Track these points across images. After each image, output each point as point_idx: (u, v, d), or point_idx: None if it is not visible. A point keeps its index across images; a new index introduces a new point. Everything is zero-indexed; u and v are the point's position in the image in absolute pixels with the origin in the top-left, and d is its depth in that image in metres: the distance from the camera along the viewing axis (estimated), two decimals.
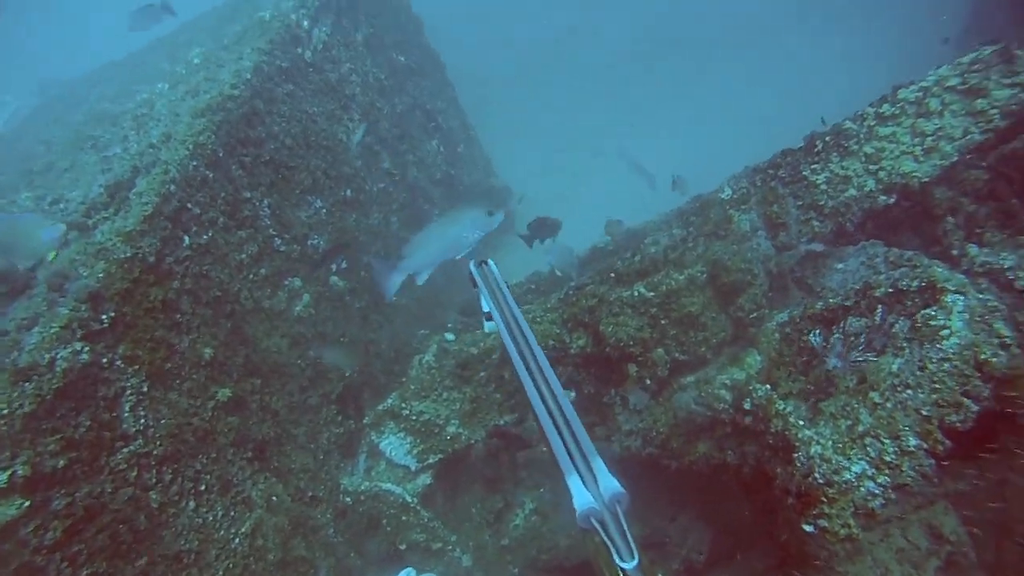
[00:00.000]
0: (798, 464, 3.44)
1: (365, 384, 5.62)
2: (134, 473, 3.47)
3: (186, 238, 4.15)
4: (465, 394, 5.07)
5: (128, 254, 3.66)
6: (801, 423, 3.58)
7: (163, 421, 3.71)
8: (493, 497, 5.23)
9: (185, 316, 4.03)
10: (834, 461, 3.39)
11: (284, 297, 5.03)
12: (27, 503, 2.93)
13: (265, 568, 4.19)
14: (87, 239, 3.82)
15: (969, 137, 4.46)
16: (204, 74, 5.52)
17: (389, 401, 5.24)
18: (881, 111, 4.72)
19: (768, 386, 3.80)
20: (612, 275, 4.76)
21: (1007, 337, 3.53)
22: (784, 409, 3.64)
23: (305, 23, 6.18)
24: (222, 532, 3.98)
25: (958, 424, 3.38)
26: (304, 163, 5.54)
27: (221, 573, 3.89)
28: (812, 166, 4.88)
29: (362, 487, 5.07)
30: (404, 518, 4.99)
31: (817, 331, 4.18)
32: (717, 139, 12.17)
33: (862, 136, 4.76)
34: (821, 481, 3.37)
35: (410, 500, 4.99)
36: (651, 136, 13.24)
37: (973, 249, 4.31)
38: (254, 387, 4.53)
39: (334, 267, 5.62)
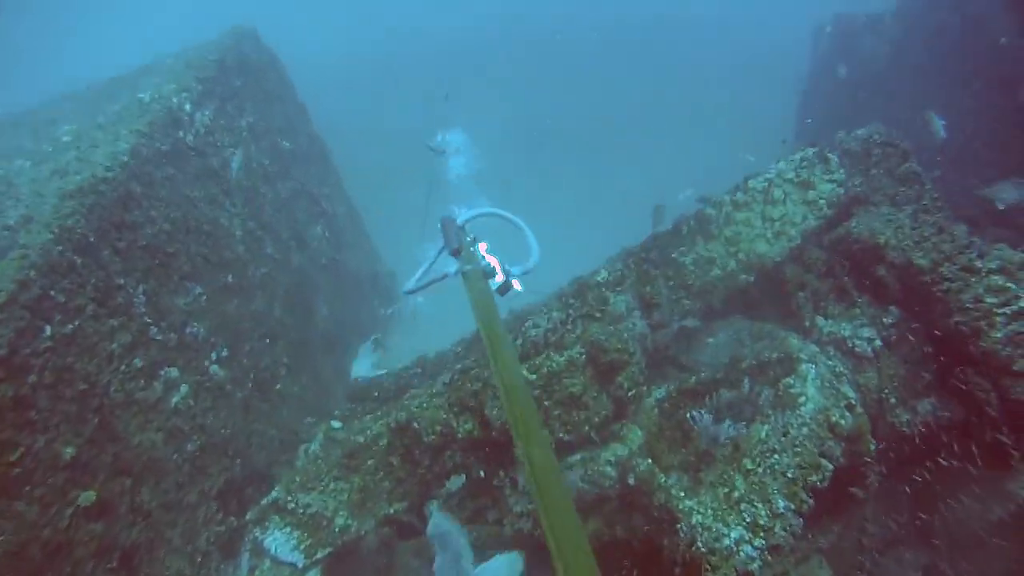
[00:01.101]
0: (682, 534, 3.58)
1: (248, 477, 5.30)
2: None
3: (48, 328, 3.86)
4: (353, 484, 4.90)
5: None
6: (682, 494, 3.74)
7: (1, 538, 3.31)
8: None
9: (42, 413, 3.69)
10: (714, 529, 3.55)
11: (160, 388, 4.72)
12: None
13: None
14: None
15: (807, 222, 5.06)
16: (75, 153, 5.26)
17: (274, 494, 4.97)
18: (736, 198, 5.25)
19: (650, 460, 3.97)
20: None
21: (852, 399, 3.93)
22: (666, 482, 3.80)
23: (187, 107, 6.10)
24: None
25: (818, 483, 3.68)
26: (184, 248, 5.35)
27: None
28: (680, 248, 5.31)
29: None
30: None
31: (693, 405, 4.44)
32: (596, 227, 12.88)
33: (721, 221, 5.25)
34: (704, 549, 3.51)
35: None
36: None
37: (820, 320, 4.81)
38: (123, 487, 4.16)
39: (214, 355, 5.37)
